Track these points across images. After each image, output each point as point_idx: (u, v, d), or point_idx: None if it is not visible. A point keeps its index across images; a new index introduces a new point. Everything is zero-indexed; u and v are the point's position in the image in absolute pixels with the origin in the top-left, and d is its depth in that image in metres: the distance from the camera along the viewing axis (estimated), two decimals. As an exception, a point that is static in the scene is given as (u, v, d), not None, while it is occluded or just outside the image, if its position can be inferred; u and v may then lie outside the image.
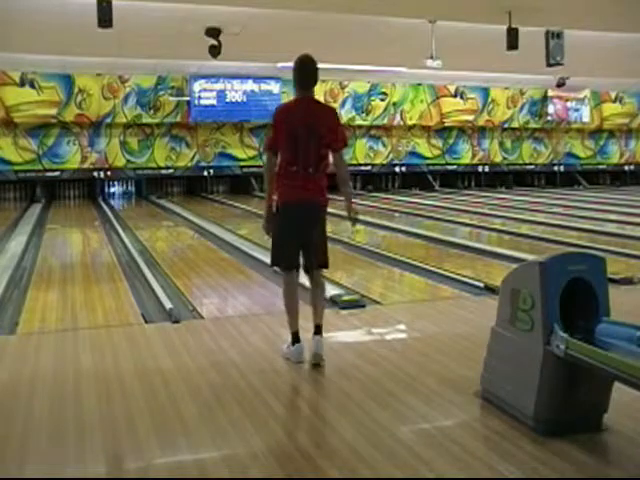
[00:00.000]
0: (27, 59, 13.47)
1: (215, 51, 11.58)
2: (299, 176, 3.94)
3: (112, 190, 16.98)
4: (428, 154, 19.18)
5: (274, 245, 4.13)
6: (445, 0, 9.90)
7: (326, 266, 4.14)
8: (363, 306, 5.39)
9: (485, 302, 5.39)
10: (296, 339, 4.05)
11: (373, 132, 18.42)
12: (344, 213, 4.26)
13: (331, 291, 5.39)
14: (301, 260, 4.12)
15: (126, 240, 9.16)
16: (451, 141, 19.42)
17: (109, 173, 16.35)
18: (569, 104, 19.79)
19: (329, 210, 4.15)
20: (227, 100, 16.65)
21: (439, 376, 3.77)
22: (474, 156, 19.67)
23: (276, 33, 11.69)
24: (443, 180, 19.38)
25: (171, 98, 16.46)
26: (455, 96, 18.93)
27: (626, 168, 21.24)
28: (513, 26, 10.71)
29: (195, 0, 9.66)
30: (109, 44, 11.13)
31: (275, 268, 4.41)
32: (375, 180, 18.59)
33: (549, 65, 11.32)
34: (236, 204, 14.68)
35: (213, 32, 11.39)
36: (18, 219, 12.35)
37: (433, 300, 5.90)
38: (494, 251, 8.09)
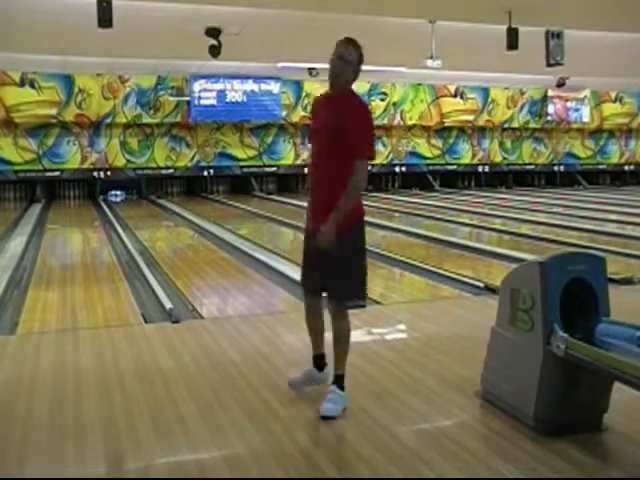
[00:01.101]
0: (27, 59, 13.47)
1: (215, 51, 11.59)
2: None
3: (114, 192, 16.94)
4: (428, 154, 19.18)
5: (362, 270, 3.41)
6: (445, 0, 9.90)
7: None
8: (363, 306, 5.36)
9: (485, 302, 5.39)
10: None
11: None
12: None
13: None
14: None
15: (126, 240, 9.16)
16: (451, 141, 19.41)
17: (109, 173, 16.36)
18: (569, 104, 19.78)
19: None
20: (227, 100, 16.65)
21: (439, 376, 3.77)
22: (474, 156, 19.66)
23: (276, 33, 11.70)
24: (443, 180, 19.37)
25: (171, 98, 16.46)
26: (455, 96, 18.92)
27: (626, 168, 21.23)
28: (513, 26, 10.72)
29: (195, 0, 9.67)
30: (109, 44, 11.13)
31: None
32: (375, 180, 18.58)
33: (549, 65, 11.33)
34: (236, 204, 14.68)
35: (213, 32, 11.40)
36: (18, 219, 12.35)
37: (433, 300, 5.89)
38: (494, 251, 8.09)
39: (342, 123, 3.30)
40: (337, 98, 3.44)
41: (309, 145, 3.61)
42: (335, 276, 3.32)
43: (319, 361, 3.57)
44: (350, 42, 3.38)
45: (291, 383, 3.57)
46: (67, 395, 3.58)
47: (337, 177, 3.29)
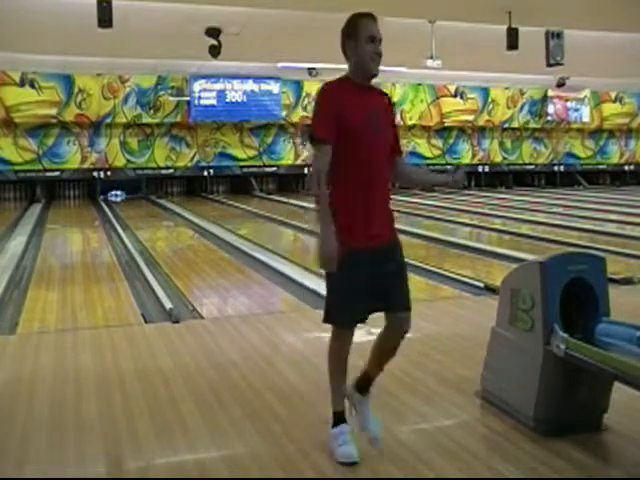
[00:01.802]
0: (27, 59, 13.48)
1: (215, 51, 11.60)
2: None
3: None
4: (428, 154, 19.19)
5: None
6: (445, 0, 9.91)
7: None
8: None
9: (485, 302, 5.38)
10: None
11: (373, 132, 18.40)
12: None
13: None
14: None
15: (126, 240, 9.16)
16: (451, 141, 19.42)
17: (109, 173, 16.36)
18: (569, 104, 19.79)
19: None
20: (227, 100, 16.66)
21: (439, 376, 3.76)
22: (474, 156, 19.67)
23: (276, 33, 11.70)
24: (443, 180, 19.35)
25: (171, 98, 16.46)
26: (455, 96, 18.93)
27: (626, 168, 21.24)
28: (513, 26, 10.73)
29: (195, 0, 9.67)
30: (109, 44, 11.13)
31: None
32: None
33: (549, 65, 11.35)
34: (236, 204, 14.68)
35: (213, 32, 11.42)
36: (18, 219, 12.35)
37: (433, 300, 5.89)
38: (494, 251, 8.09)
39: (393, 120, 3.11)
40: (380, 93, 3.10)
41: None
42: (406, 284, 2.96)
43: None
44: (376, 19, 2.81)
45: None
46: (67, 395, 3.58)
47: (388, 181, 3.03)
